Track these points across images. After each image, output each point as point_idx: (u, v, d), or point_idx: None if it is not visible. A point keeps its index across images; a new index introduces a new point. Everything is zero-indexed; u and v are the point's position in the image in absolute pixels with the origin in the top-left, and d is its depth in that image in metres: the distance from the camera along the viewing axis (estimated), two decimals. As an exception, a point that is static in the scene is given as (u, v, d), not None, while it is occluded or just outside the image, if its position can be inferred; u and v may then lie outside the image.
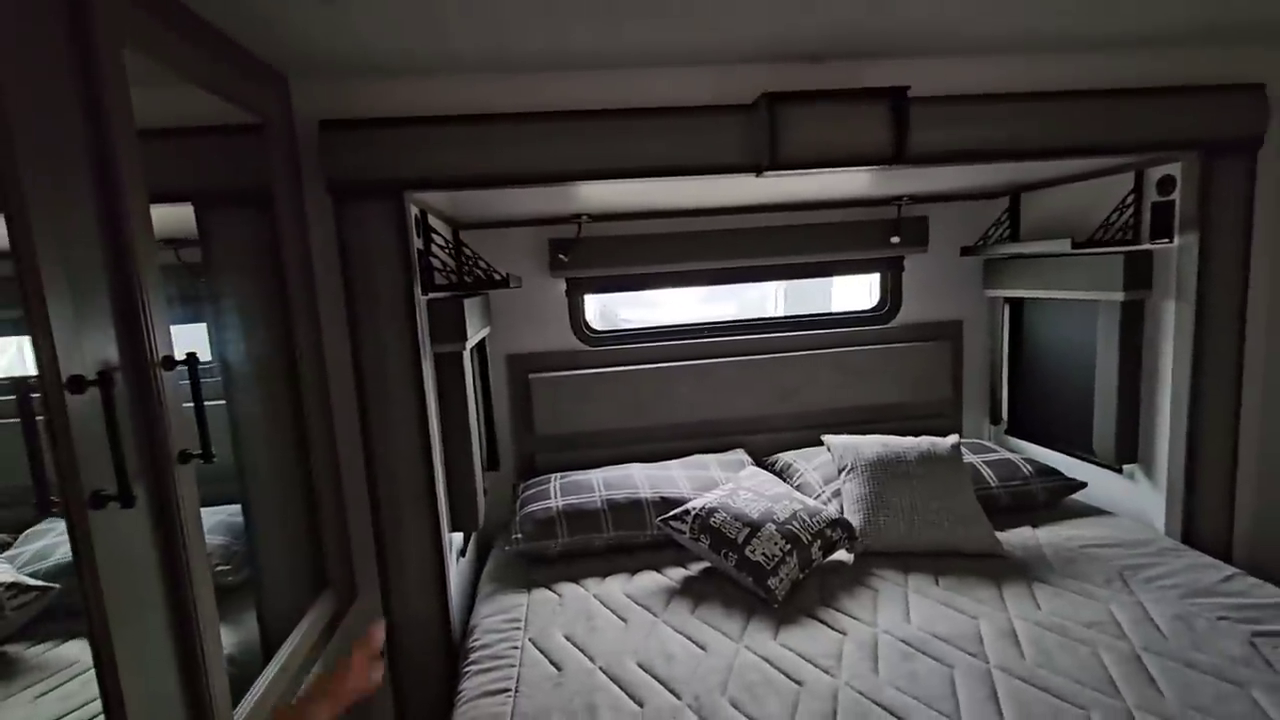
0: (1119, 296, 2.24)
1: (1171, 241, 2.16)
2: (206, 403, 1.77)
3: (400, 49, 1.63)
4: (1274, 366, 2.21)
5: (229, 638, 1.77)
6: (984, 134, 1.93)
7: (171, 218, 1.72)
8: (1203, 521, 2.23)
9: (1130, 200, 2.27)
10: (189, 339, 1.90)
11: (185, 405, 1.20)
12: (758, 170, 1.86)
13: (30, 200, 0.84)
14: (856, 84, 1.88)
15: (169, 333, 1.10)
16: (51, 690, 1.25)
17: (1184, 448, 2.20)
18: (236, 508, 1.76)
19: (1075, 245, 2.26)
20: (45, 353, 0.85)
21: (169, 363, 1.08)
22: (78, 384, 0.87)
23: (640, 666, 1.67)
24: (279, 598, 1.80)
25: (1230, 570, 1.94)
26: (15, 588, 1.32)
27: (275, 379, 1.76)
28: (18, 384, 1.22)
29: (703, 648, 1.74)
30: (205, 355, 1.74)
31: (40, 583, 1.26)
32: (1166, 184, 2.17)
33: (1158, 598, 1.84)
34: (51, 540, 1.28)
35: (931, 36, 1.80)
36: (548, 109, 1.80)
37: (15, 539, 1.38)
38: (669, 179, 1.92)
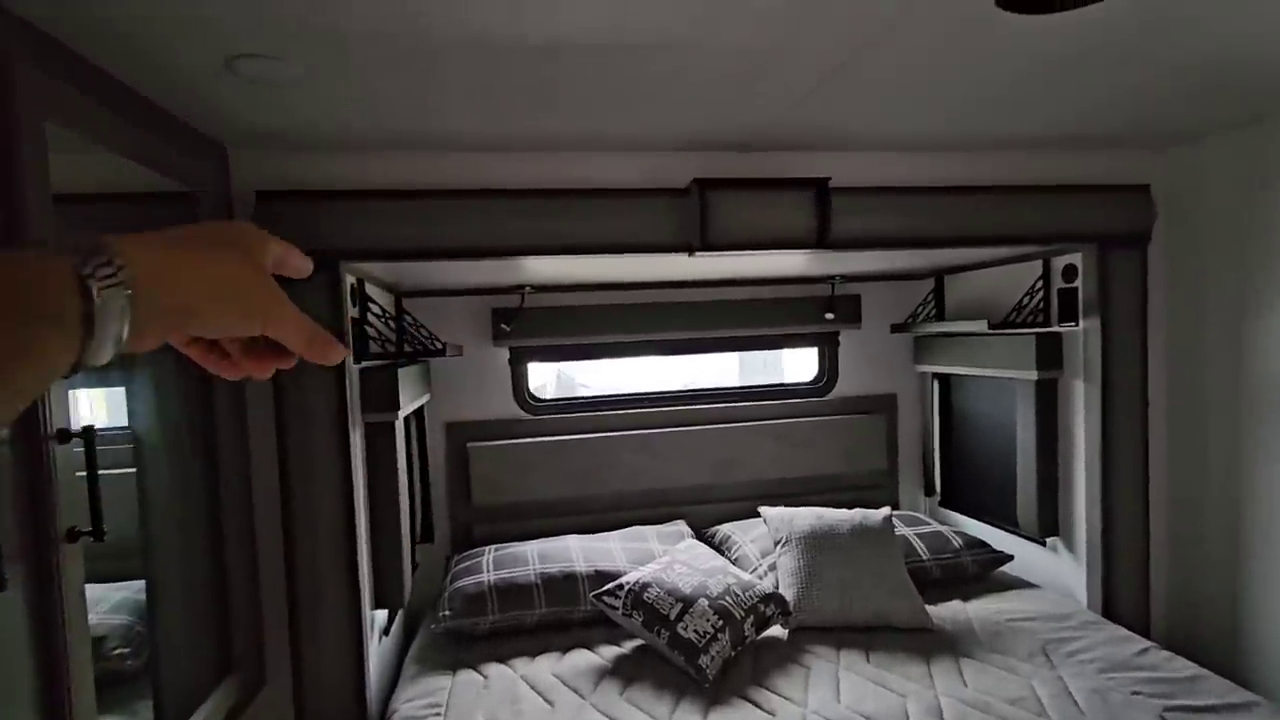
0: (1033, 375, 2.37)
1: (1077, 325, 2.31)
2: (115, 471, 1.71)
3: (337, 126, 1.68)
4: (1175, 444, 2.35)
5: (117, 733, 1.64)
6: (899, 223, 2.07)
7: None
8: (1121, 594, 2.30)
9: (1039, 286, 2.43)
10: (109, 403, 1.84)
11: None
12: (689, 250, 1.95)
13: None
14: (782, 173, 2.00)
15: (66, 405, 1.07)
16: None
17: (1100, 522, 2.29)
18: (143, 584, 1.66)
19: (991, 326, 2.40)
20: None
21: (64, 436, 1.05)
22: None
23: (562, 754, 1.60)
24: (179, 685, 1.68)
25: (1145, 644, 2.00)
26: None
27: (192, 448, 1.70)
28: None
29: (629, 732, 1.68)
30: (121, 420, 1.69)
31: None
32: (1070, 272, 2.34)
33: (1077, 672, 1.87)
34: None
35: (849, 134, 1.95)
36: (484, 186, 1.86)
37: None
38: (604, 256, 1.99)
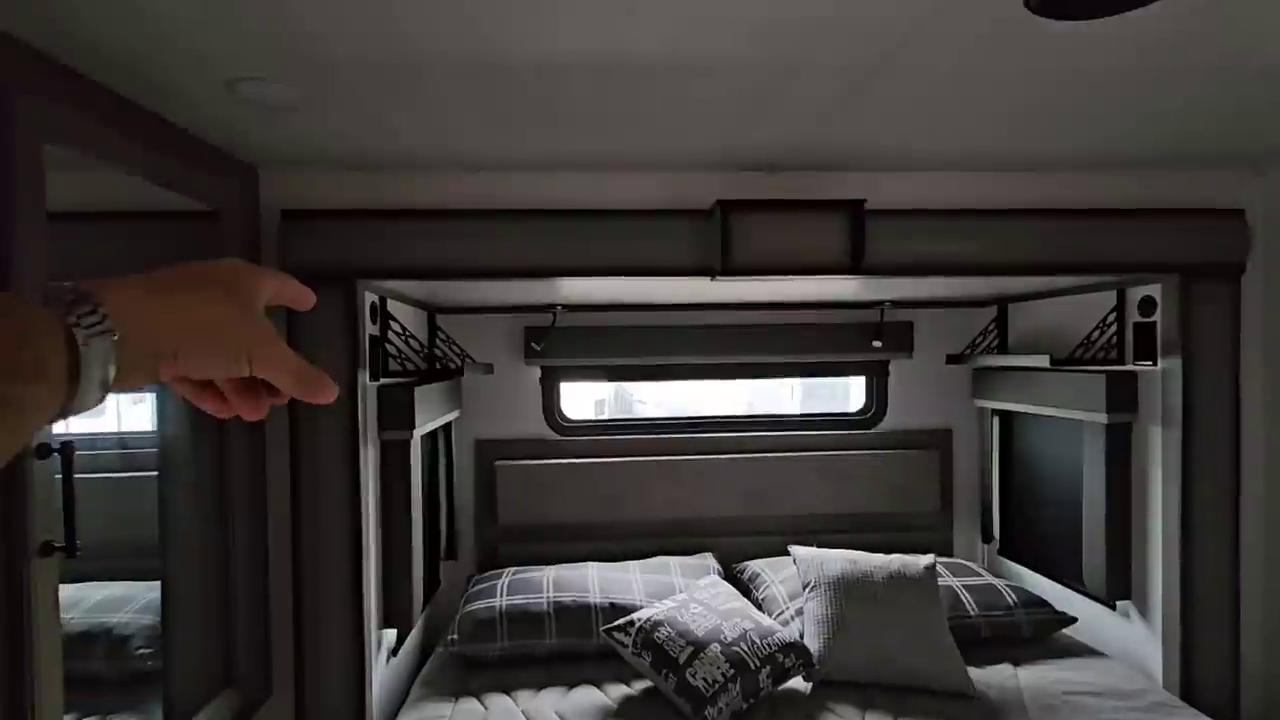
0: (1102, 419, 2.12)
1: (1155, 364, 2.06)
2: (136, 474, 1.76)
3: (350, 147, 1.69)
4: (1275, 502, 2.05)
5: (134, 731, 1.69)
6: (946, 248, 1.90)
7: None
8: (1205, 673, 2.01)
9: (1112, 319, 2.19)
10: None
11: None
12: (710, 274, 1.85)
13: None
14: (814, 195, 1.88)
15: (49, 420, 1.09)
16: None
17: (1179, 586, 2.02)
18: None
19: (1055, 361, 2.18)
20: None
21: (43, 450, 1.07)
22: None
23: (547, 803, 1.52)
24: (188, 691, 1.71)
25: (1228, 736, 1.73)
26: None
27: (209, 457, 1.74)
28: None
29: (620, 785, 1.58)
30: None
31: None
32: (1148, 305, 2.09)
33: (1141, 765, 1.63)
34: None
35: (886, 152, 1.81)
36: (503, 206, 1.84)
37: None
38: (625, 279, 1.92)
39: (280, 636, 1.85)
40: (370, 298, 1.92)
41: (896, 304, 2.75)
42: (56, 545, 1.08)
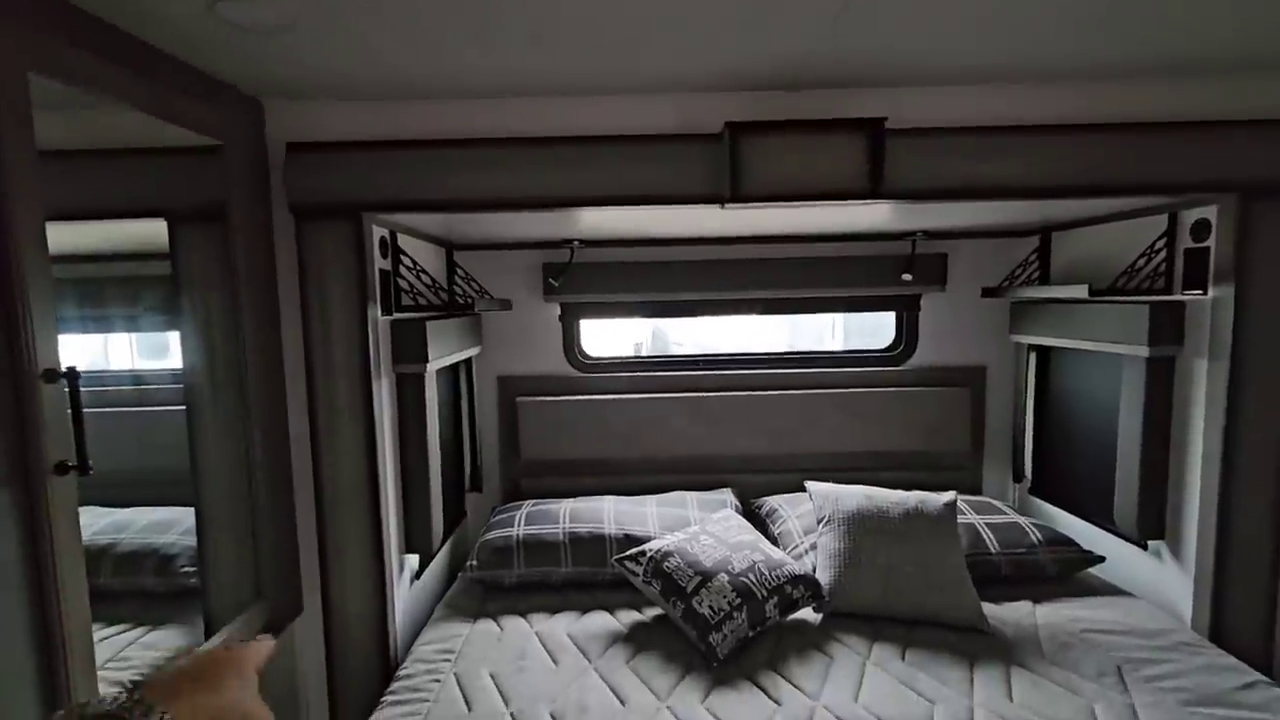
0: (1144, 352, 2.00)
1: (1205, 293, 1.91)
2: (167, 408, 1.85)
3: (347, 74, 1.66)
4: (1329, 442, 1.91)
5: (177, 641, 1.83)
6: (971, 170, 1.77)
7: (150, 233, 1.82)
8: (1237, 615, 1.93)
9: (1161, 245, 2.03)
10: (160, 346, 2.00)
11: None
12: (720, 202, 1.78)
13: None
14: (832, 114, 1.77)
15: (55, 346, 1.13)
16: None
17: (1214, 527, 1.92)
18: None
19: (1094, 291, 2.04)
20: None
21: (50, 375, 1.11)
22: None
23: (551, 716, 1.59)
24: (224, 604, 1.84)
25: (1254, 677, 1.67)
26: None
27: (232, 388, 1.81)
28: None
29: (623, 702, 1.64)
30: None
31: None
32: (1201, 229, 1.93)
33: (1155, 701, 1.59)
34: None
35: (907, 65, 1.68)
36: (505, 134, 1.79)
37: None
38: (636, 208, 1.87)
39: (307, 557, 1.95)
40: (380, 231, 1.92)
41: (930, 234, 2.61)
42: (70, 464, 1.15)
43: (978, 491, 2.83)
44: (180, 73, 1.53)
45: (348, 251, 1.81)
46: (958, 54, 1.61)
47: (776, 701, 1.63)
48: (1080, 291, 2.07)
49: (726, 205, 1.79)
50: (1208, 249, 1.91)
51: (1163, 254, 2.03)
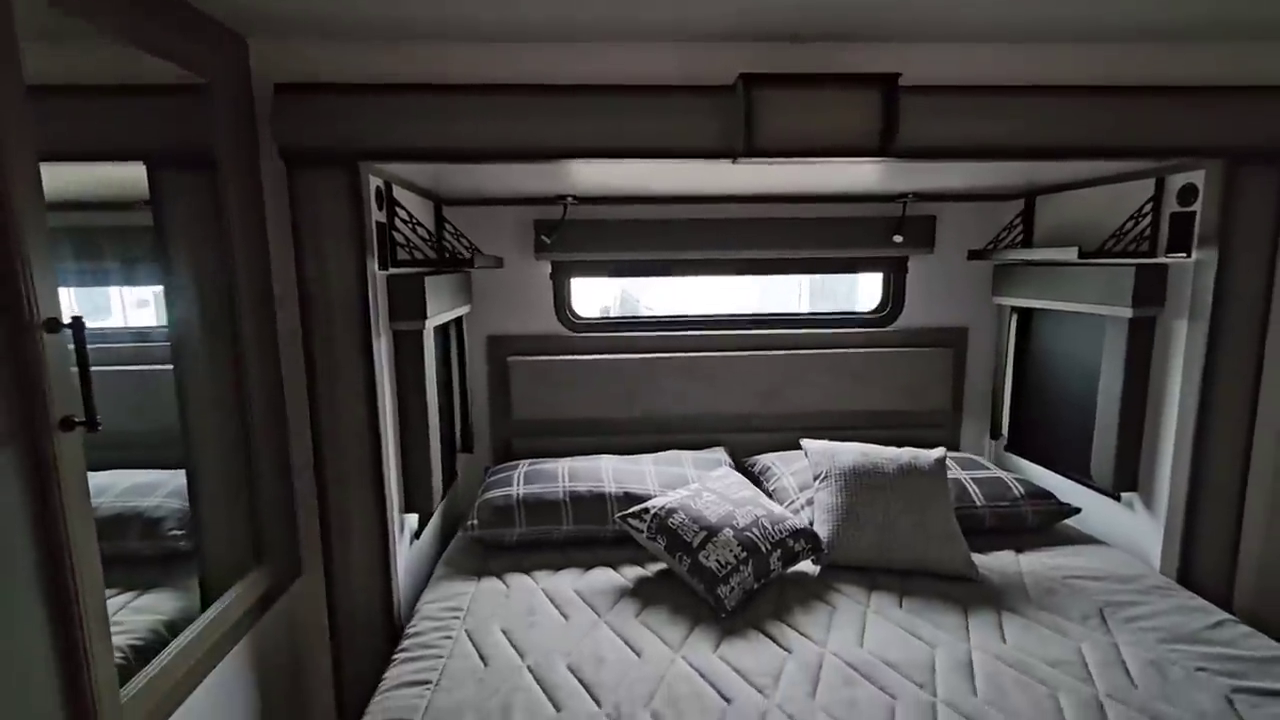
0: (1127, 313, 2.07)
1: (1189, 256, 1.99)
2: (153, 367, 1.75)
3: (356, 13, 1.56)
4: (1295, 398, 2.03)
5: (171, 604, 1.77)
6: (982, 130, 1.78)
7: (132, 179, 1.69)
8: (1201, 561, 2.07)
9: (1148, 209, 2.09)
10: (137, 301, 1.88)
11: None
12: (732, 156, 1.75)
13: None
14: (842, 68, 1.75)
15: (56, 295, 1.05)
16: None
17: (1186, 479, 2.04)
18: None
19: (1083, 254, 2.10)
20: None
21: (52, 325, 1.04)
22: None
23: (569, 669, 1.60)
24: (221, 568, 1.78)
25: (1221, 615, 1.79)
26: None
27: (223, 346, 1.72)
28: None
29: (638, 653, 1.66)
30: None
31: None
32: (1188, 193, 1.99)
33: (1135, 639, 1.70)
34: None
35: (927, 20, 1.66)
36: (508, 81, 1.71)
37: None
38: (641, 161, 1.83)
39: (306, 519, 1.90)
40: (375, 182, 1.84)
41: (920, 196, 2.64)
42: (77, 420, 1.08)
43: (955, 448, 2.93)
44: (168, 6, 1.41)
45: (344, 202, 1.72)
46: (973, 7, 1.60)
47: (786, 649, 1.68)
48: (1070, 254, 2.12)
49: (739, 160, 1.76)
50: (1193, 213, 1.98)
51: (1148, 218, 2.10)
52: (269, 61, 1.71)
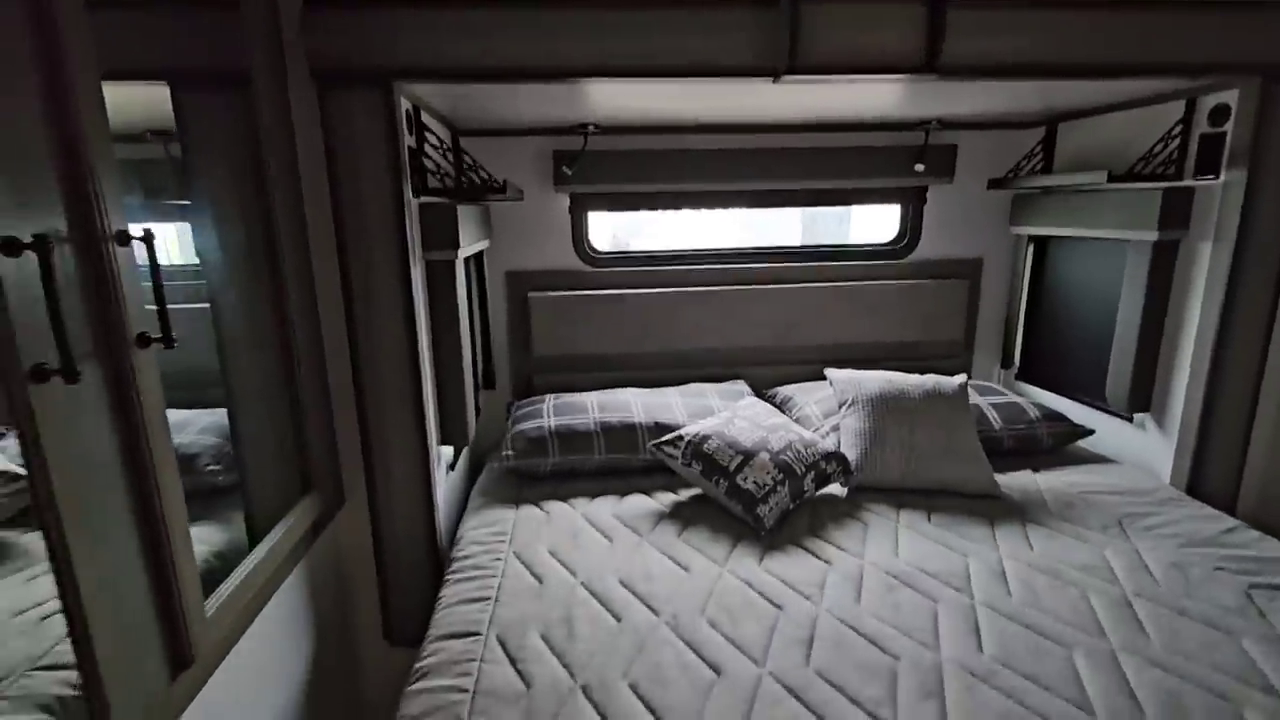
0: (1152, 236, 2.10)
1: (1217, 178, 2.01)
2: (191, 305, 1.72)
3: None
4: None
5: (218, 536, 1.78)
6: (1027, 45, 1.76)
7: (154, 102, 1.61)
8: (1210, 474, 2.16)
9: (1178, 131, 2.10)
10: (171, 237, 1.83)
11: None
12: (774, 75, 1.72)
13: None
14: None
15: (122, 210, 1.02)
16: (42, 574, 1.26)
17: (1200, 398, 2.11)
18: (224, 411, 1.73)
19: (1112, 178, 2.11)
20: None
21: (123, 238, 1.01)
22: (11, 247, 0.80)
23: (621, 584, 1.66)
24: (267, 500, 1.79)
25: (1233, 522, 1.89)
26: (6, 475, 1.31)
27: (260, 279, 1.69)
28: None
29: (685, 569, 1.72)
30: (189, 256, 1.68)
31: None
32: (1220, 114, 1.99)
33: (1154, 545, 1.79)
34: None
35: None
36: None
37: (8, 429, 1.37)
38: (677, 81, 1.78)
39: (347, 450, 1.91)
40: (405, 104, 1.78)
41: (944, 123, 2.62)
42: (152, 336, 1.06)
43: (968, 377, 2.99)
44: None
45: (379, 124, 1.67)
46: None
47: (826, 561, 1.75)
48: (1099, 177, 2.13)
49: (781, 78, 1.73)
50: (1224, 134, 1.99)
51: (1177, 140, 2.11)
52: (294, -28, 1.62)
